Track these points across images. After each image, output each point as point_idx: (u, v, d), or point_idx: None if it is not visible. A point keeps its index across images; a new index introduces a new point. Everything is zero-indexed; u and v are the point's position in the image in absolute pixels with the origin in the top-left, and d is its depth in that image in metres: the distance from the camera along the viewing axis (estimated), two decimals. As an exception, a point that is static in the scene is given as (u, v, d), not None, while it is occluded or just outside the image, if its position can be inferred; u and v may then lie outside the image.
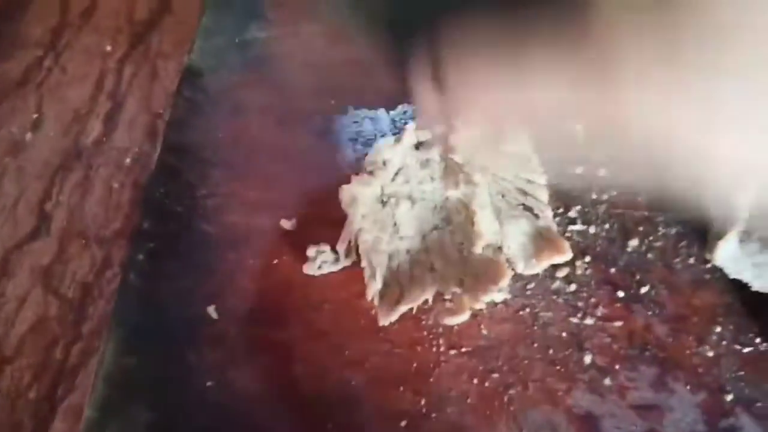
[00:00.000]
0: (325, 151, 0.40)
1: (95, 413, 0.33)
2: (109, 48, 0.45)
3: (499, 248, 0.36)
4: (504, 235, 0.36)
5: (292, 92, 0.42)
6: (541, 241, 0.36)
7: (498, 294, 0.35)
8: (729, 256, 0.36)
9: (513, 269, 0.36)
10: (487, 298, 0.34)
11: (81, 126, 0.42)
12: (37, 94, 0.43)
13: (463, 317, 0.34)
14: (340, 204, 0.38)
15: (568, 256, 0.36)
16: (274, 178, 0.39)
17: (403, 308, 0.34)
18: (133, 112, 0.43)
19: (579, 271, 0.38)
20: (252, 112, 0.41)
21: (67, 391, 0.36)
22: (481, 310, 0.36)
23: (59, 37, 0.44)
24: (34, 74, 0.43)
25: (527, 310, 0.37)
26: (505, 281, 0.35)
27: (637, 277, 0.38)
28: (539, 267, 0.36)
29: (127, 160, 0.41)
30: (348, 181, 0.37)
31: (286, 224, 0.38)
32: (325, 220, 0.38)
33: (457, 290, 0.35)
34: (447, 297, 0.35)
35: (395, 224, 0.36)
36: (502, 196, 0.37)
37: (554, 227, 0.37)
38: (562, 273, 0.38)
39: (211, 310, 0.36)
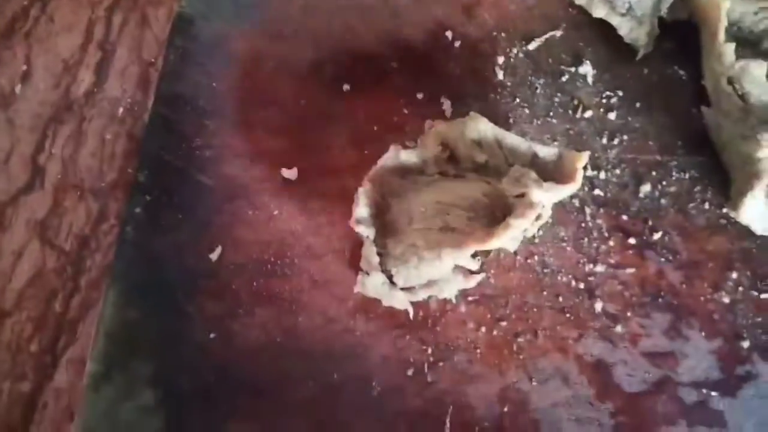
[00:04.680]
0: (323, 99, 0.39)
1: (98, 367, 0.33)
2: (97, -5, 0.43)
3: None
4: None
5: (286, 40, 0.40)
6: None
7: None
8: (756, 213, 0.35)
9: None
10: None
11: (71, 76, 0.40)
12: (25, 44, 0.41)
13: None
14: (341, 153, 0.37)
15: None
16: (272, 127, 0.38)
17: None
18: (124, 62, 0.41)
19: (588, 218, 0.37)
20: (246, 61, 0.39)
21: (68, 343, 0.35)
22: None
23: (45, -16, 0.43)
24: (20, 24, 0.41)
25: (535, 258, 0.36)
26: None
27: (650, 223, 0.37)
28: None
29: (120, 111, 0.40)
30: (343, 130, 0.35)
31: (287, 173, 0.37)
32: (327, 169, 0.37)
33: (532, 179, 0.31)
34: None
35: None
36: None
37: None
38: (571, 219, 0.37)
39: (214, 256, 0.35)
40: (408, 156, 0.34)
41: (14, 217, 0.37)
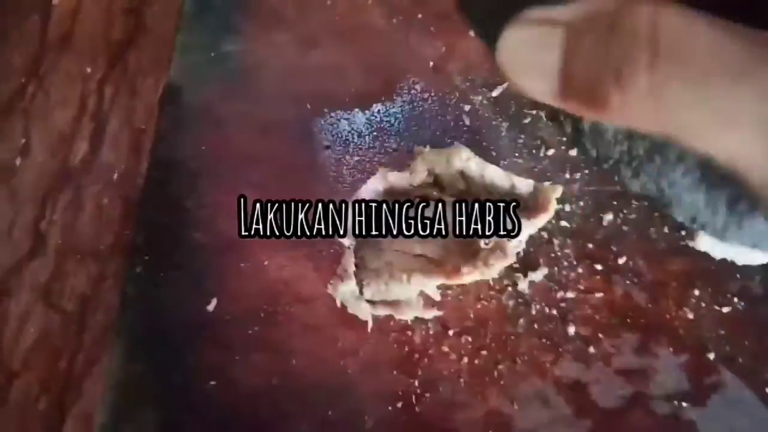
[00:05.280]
0: (306, 154, 0.42)
1: (107, 419, 0.35)
2: (89, 70, 0.46)
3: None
4: None
5: (270, 100, 0.43)
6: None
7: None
8: (711, 242, 0.38)
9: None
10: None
11: (68, 147, 0.43)
12: (24, 119, 0.44)
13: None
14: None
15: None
16: (258, 184, 0.41)
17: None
18: (116, 130, 0.44)
19: (557, 248, 0.39)
20: (233, 123, 0.42)
21: (75, 399, 0.37)
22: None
23: (40, 63, 0.46)
24: (18, 100, 0.45)
25: (510, 289, 0.39)
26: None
27: (615, 249, 0.39)
28: None
29: (115, 176, 0.43)
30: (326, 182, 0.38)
31: (274, 225, 0.39)
32: (311, 218, 0.40)
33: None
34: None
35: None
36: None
37: None
38: (541, 250, 0.39)
39: (210, 308, 0.37)
40: (396, 178, 0.37)
41: (19, 283, 0.40)
